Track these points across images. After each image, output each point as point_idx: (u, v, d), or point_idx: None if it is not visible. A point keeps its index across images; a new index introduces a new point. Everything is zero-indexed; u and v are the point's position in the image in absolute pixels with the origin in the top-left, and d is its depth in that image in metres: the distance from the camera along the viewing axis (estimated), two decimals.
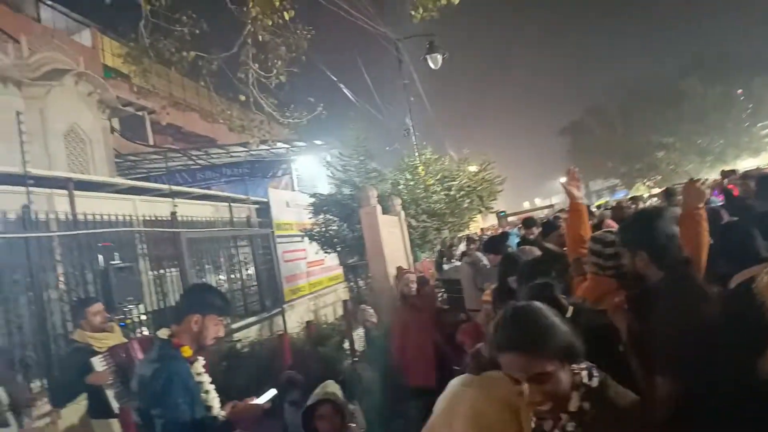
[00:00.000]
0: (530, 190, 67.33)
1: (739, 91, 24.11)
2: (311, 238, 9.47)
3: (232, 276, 9.39)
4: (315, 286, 11.88)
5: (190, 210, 8.92)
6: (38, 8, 15.47)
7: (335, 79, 11.95)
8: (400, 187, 9.47)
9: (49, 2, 16.09)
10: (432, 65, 11.97)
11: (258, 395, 2.39)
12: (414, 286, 5.35)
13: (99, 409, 3.69)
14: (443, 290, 7.23)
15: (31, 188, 5.64)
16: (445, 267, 7.95)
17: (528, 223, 6.19)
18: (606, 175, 32.24)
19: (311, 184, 14.80)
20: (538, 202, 53.70)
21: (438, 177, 10.75)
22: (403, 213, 8.22)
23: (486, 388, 2.19)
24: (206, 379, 2.16)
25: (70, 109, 11.42)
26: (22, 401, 3.56)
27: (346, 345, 7.46)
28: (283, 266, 10.34)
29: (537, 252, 4.21)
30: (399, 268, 7.25)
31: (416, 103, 14.20)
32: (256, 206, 11.68)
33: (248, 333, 8.31)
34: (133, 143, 15.57)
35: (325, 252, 9.71)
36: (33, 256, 5.52)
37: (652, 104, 25.76)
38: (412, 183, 10.00)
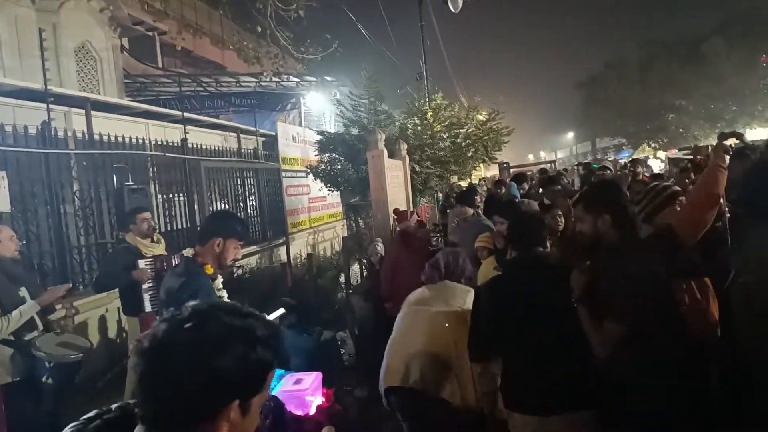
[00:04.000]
0: (536, 143, 66.56)
1: (763, 57, 23.32)
2: (316, 175, 9.69)
3: (238, 205, 9.70)
4: (315, 222, 12.24)
5: (200, 138, 9.10)
6: None
7: (353, 17, 11.74)
8: (408, 131, 9.58)
9: None
10: (452, 8, 11.73)
11: None
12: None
13: (134, 307, 4.11)
14: (441, 234, 7.54)
15: (50, 105, 5.81)
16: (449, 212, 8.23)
17: (519, 179, 6.44)
18: (614, 133, 31.79)
19: (319, 121, 14.84)
20: (543, 155, 53.33)
21: (446, 124, 10.80)
22: (408, 158, 8.40)
23: (443, 298, 2.54)
24: (225, 294, 2.48)
25: (81, 25, 11.30)
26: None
27: (342, 278, 7.90)
28: (286, 200, 10.64)
29: (535, 205, 4.58)
30: (396, 210, 7.54)
31: (432, 47, 14.02)
32: (263, 139, 11.83)
33: (250, 261, 8.73)
34: (142, 64, 15.44)
35: (329, 190, 9.96)
36: (52, 171, 5.79)
37: (672, 63, 25.00)
38: (419, 128, 10.09)
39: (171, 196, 7.91)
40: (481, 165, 18.19)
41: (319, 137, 9.67)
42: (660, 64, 25.29)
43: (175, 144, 8.04)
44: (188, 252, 2.41)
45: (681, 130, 24.74)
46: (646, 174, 6.63)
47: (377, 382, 5.25)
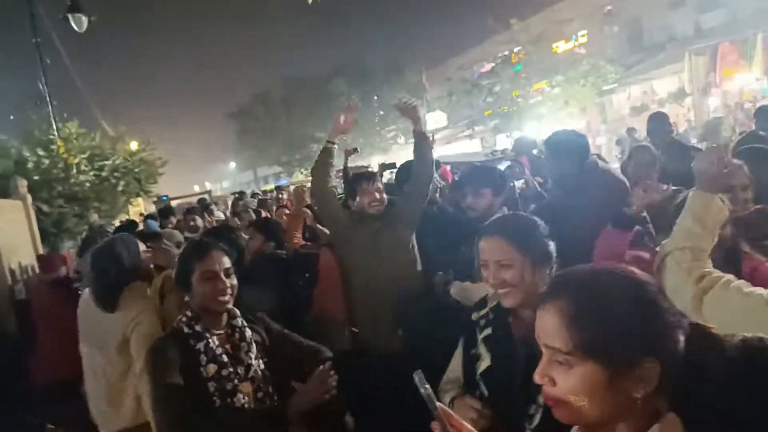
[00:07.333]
0: (202, 174, 66.06)
1: (375, 97, 29.09)
2: None
3: None
4: None
5: None
6: None
7: None
8: (29, 165, 8.07)
9: None
10: (76, 27, 10.44)
11: None
12: None
13: None
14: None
15: None
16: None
17: (165, 212, 6.46)
18: (271, 161, 34.23)
19: None
20: (208, 185, 53.24)
21: (86, 155, 9.60)
22: (30, 197, 7.05)
23: None
24: None
25: None
26: None
27: None
28: None
29: (179, 236, 4.70)
30: (40, 257, 6.25)
31: (56, 67, 12.07)
32: None
33: None
34: None
35: None
36: None
37: (308, 99, 28.68)
38: (47, 161, 8.62)
39: None
40: (140, 200, 16.87)
41: None
42: (299, 99, 28.72)
43: None
44: None
45: None
46: (290, 199, 7.41)
47: None
